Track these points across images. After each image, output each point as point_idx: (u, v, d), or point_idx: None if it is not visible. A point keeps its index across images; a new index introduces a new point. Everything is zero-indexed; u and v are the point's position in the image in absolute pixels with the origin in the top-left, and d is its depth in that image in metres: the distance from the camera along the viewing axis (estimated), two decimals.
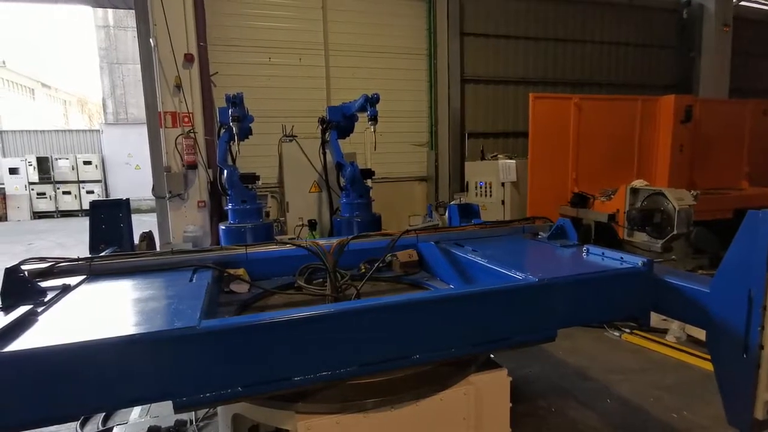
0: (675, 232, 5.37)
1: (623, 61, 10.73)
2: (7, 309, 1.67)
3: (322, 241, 2.52)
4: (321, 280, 2.68)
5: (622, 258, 2.26)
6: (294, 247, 2.59)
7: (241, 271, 2.61)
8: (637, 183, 6.10)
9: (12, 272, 1.86)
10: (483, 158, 8.49)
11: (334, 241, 2.47)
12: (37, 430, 1.41)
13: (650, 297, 2.13)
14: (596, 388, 3.50)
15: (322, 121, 5.19)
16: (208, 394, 1.51)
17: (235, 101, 4.09)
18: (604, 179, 6.80)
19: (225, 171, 4.34)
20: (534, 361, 3.88)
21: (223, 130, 4.69)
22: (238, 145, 4.33)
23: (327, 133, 5.08)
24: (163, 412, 2.84)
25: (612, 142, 7.06)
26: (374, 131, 4.10)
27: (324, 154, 5.48)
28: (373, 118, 4.13)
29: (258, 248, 2.65)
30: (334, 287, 2.39)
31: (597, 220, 6.42)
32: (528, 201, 7.04)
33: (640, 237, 5.85)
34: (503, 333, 1.92)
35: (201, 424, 2.90)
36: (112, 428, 2.82)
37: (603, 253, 2.40)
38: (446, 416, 1.93)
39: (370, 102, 4.15)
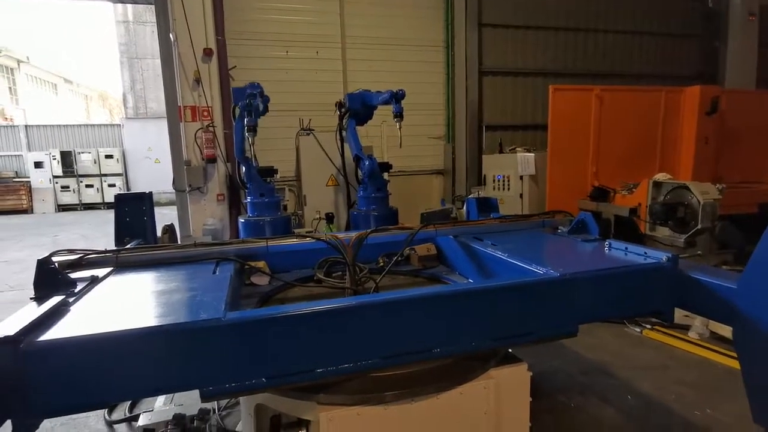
0: (699, 226, 5.26)
1: (646, 51, 10.45)
2: (41, 299, 1.73)
3: (341, 235, 2.54)
4: (340, 273, 2.70)
5: (645, 253, 2.23)
6: (314, 240, 2.62)
7: (261, 264, 2.65)
8: (660, 176, 5.97)
9: (44, 264, 1.92)
10: (501, 151, 8.41)
11: (353, 234, 2.48)
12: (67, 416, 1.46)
13: (675, 293, 2.09)
14: (617, 385, 3.46)
15: (340, 105, 5.12)
16: (233, 384, 1.54)
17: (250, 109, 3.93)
18: (625, 173, 6.67)
19: (243, 164, 4.38)
20: (554, 357, 3.85)
21: (238, 113, 4.50)
22: (253, 141, 4.21)
23: (345, 119, 5.02)
24: (187, 400, 2.90)
25: (634, 135, 6.91)
26: (399, 128, 4.01)
27: (341, 140, 5.40)
28: (399, 115, 4.02)
29: (278, 241, 2.68)
30: (354, 280, 2.40)
31: (617, 214, 6.32)
32: (547, 194, 6.96)
33: (663, 232, 5.74)
34: (524, 328, 1.91)
35: (224, 413, 2.96)
36: (138, 415, 2.91)
37: (626, 248, 2.36)
38: (466, 410, 1.93)
39: (396, 98, 4.05)
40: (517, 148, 7.95)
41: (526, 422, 2.12)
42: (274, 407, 1.94)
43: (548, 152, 6.89)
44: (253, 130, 3.86)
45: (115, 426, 3.03)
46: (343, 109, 4.99)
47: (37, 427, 1.39)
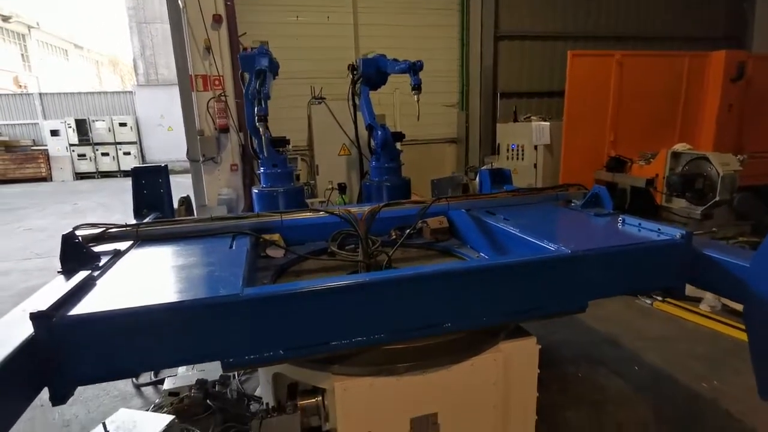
0: (717, 198, 5.17)
1: (670, 12, 9.98)
2: (68, 274, 1.80)
3: (354, 209, 2.56)
4: (353, 246, 2.74)
5: (659, 229, 2.21)
6: (327, 214, 2.65)
7: (276, 237, 2.70)
8: (680, 146, 5.84)
9: (68, 239, 1.99)
10: (516, 120, 8.25)
11: (366, 208, 2.50)
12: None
13: (687, 270, 2.10)
14: (625, 356, 3.52)
15: (352, 68, 5.02)
16: (252, 356, 1.62)
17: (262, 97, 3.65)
18: (644, 142, 6.52)
19: (254, 136, 4.36)
20: (563, 327, 3.91)
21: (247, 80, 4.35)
22: (264, 130, 3.84)
23: (357, 85, 4.92)
24: (209, 366, 3.04)
25: (654, 103, 6.70)
26: (417, 101, 3.89)
27: (354, 107, 5.32)
28: (417, 87, 3.90)
29: (292, 215, 2.73)
30: (366, 254, 2.44)
31: (634, 185, 6.23)
32: (561, 165, 6.86)
33: (679, 203, 5.66)
34: (534, 304, 1.95)
35: (243, 378, 3.10)
36: (163, 379, 3.07)
37: (639, 224, 2.35)
38: (476, 381, 2.00)
39: (414, 69, 3.92)
40: (532, 117, 7.79)
41: (534, 392, 2.18)
42: (291, 376, 2.02)
43: (564, 121, 6.75)
44: (264, 120, 3.69)
45: (142, 389, 3.21)
46: (356, 74, 4.88)
47: (72, 394, 1.48)
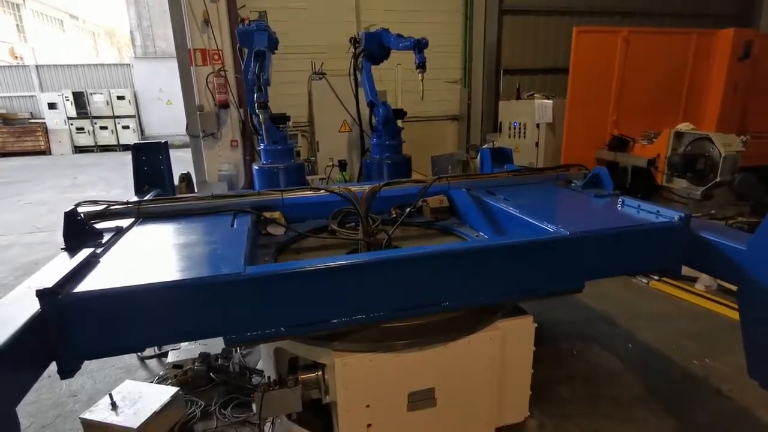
0: (718, 179, 5.17)
1: None
2: (72, 251, 1.83)
3: (354, 187, 2.57)
4: (353, 224, 2.76)
5: (658, 211, 2.23)
6: (327, 193, 2.66)
7: (277, 215, 2.72)
8: (683, 126, 5.80)
9: (71, 216, 2.00)
10: (518, 97, 8.16)
11: (367, 187, 2.51)
12: None
13: (684, 252, 2.12)
14: (620, 334, 3.58)
15: (354, 41, 4.87)
16: (254, 333, 1.65)
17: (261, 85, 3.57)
18: (647, 122, 6.47)
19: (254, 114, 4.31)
20: (559, 305, 3.97)
21: (247, 57, 4.18)
22: (264, 118, 3.82)
23: (359, 59, 4.84)
24: (212, 340, 3.10)
25: (659, 81, 6.62)
26: (422, 80, 3.82)
27: (356, 83, 5.24)
28: (422, 66, 3.80)
29: (293, 194, 2.73)
30: (366, 232, 2.46)
31: (635, 164, 6.21)
32: (563, 143, 6.83)
33: (680, 183, 5.66)
34: (531, 284, 1.98)
35: (245, 351, 3.17)
36: (167, 352, 3.14)
37: (639, 206, 2.37)
38: (472, 358, 2.05)
39: (419, 47, 3.84)
40: (536, 95, 7.70)
41: (529, 369, 2.24)
42: (292, 351, 2.07)
43: (567, 99, 6.67)
44: (264, 106, 3.62)
45: (147, 361, 3.28)
46: (357, 47, 4.79)
47: (79, 368, 1.52)
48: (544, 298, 2.06)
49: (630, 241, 2.08)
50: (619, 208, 2.45)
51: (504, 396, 2.21)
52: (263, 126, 3.90)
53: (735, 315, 3.64)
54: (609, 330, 3.65)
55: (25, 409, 2.76)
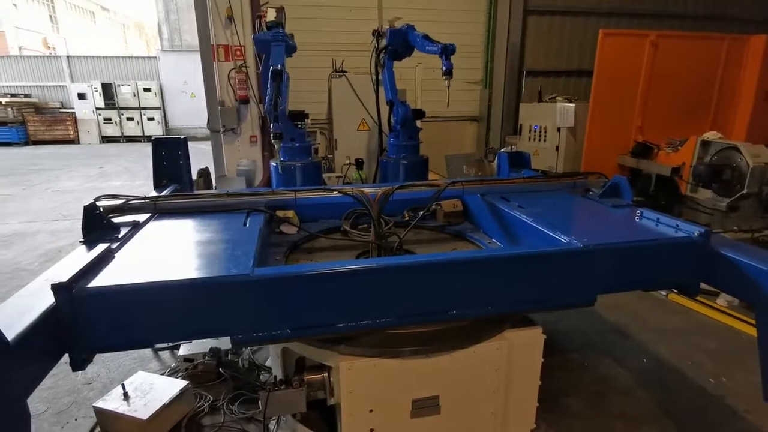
0: (745, 191, 5.01)
1: None
2: (90, 244, 1.88)
3: (367, 189, 2.57)
4: (366, 225, 2.76)
5: (677, 225, 2.17)
6: (340, 194, 2.67)
7: (290, 213, 2.74)
8: (710, 135, 5.62)
9: (90, 209, 2.06)
10: (540, 100, 8.03)
11: (380, 189, 2.51)
12: None
13: (703, 269, 2.06)
14: (633, 347, 3.50)
15: (377, 35, 4.76)
16: (260, 334, 1.67)
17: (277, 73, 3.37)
18: (673, 129, 6.30)
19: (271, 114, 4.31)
20: (572, 314, 3.90)
21: (264, 60, 4.18)
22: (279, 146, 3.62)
23: (381, 55, 4.76)
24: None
25: (687, 88, 6.43)
26: (448, 87, 3.69)
27: (377, 83, 5.16)
28: (448, 72, 3.69)
29: (306, 194, 2.76)
30: (378, 234, 2.46)
31: (659, 172, 6.06)
32: (584, 148, 6.71)
33: (705, 194, 5.50)
34: (541, 295, 1.95)
35: (254, 348, 3.21)
36: (179, 345, 3.20)
37: (658, 219, 2.30)
38: (478, 367, 2.03)
39: (446, 53, 3.73)
40: (558, 97, 7.56)
41: (536, 381, 2.21)
42: (299, 352, 2.09)
43: (591, 102, 6.54)
44: (279, 137, 3.39)
45: (160, 353, 3.35)
46: (381, 40, 4.69)
47: (91, 361, 1.57)
48: (553, 310, 2.04)
49: (646, 255, 2.03)
50: (637, 220, 2.39)
51: (510, 407, 2.18)
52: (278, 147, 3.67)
53: (755, 332, 3.53)
54: (622, 342, 3.58)
55: (41, 395, 2.85)
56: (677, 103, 6.47)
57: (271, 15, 4.36)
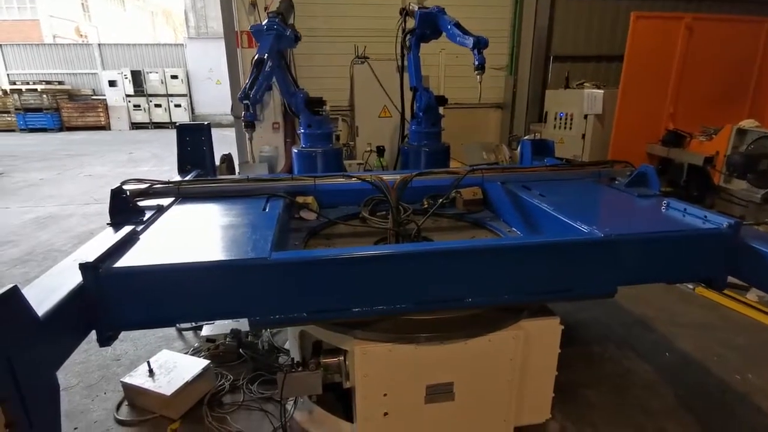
0: None
1: None
2: (116, 226, 1.95)
3: (386, 176, 2.56)
4: (384, 212, 2.77)
5: (705, 216, 2.09)
6: (359, 181, 2.67)
7: (310, 199, 2.76)
8: (746, 123, 5.37)
9: (117, 193, 2.13)
10: (567, 86, 7.80)
11: (398, 176, 2.50)
12: None
13: (731, 262, 1.99)
14: (657, 341, 3.42)
15: (405, 13, 4.52)
16: (277, 316, 1.71)
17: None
18: (707, 116, 6.04)
19: (289, 99, 4.29)
20: (594, 305, 3.83)
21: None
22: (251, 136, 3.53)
23: (408, 37, 4.63)
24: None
25: (723, 73, 6.14)
26: (480, 82, 3.48)
27: (402, 68, 5.04)
28: (481, 67, 3.52)
29: (325, 180, 2.77)
30: (396, 222, 2.46)
31: (691, 162, 5.84)
32: (612, 136, 6.51)
33: (739, 185, 5.28)
34: (559, 285, 1.91)
35: (274, 330, 3.28)
36: (202, 326, 3.30)
37: (685, 209, 2.22)
38: (493, 356, 2.03)
39: (478, 47, 3.54)
40: (586, 83, 7.34)
41: (552, 371, 2.20)
42: (316, 335, 2.13)
43: (620, 89, 6.33)
44: (251, 126, 3.26)
45: (183, 333, 3.46)
46: (407, 18, 4.53)
47: (116, 338, 1.63)
48: (572, 300, 2.01)
49: (670, 247, 1.97)
50: (663, 211, 2.32)
51: (525, 396, 2.18)
52: (250, 144, 3.65)
53: None
54: (646, 335, 3.50)
55: (73, 369, 2.99)
56: (712, 90, 6.19)
57: (274, 5, 4.29)
